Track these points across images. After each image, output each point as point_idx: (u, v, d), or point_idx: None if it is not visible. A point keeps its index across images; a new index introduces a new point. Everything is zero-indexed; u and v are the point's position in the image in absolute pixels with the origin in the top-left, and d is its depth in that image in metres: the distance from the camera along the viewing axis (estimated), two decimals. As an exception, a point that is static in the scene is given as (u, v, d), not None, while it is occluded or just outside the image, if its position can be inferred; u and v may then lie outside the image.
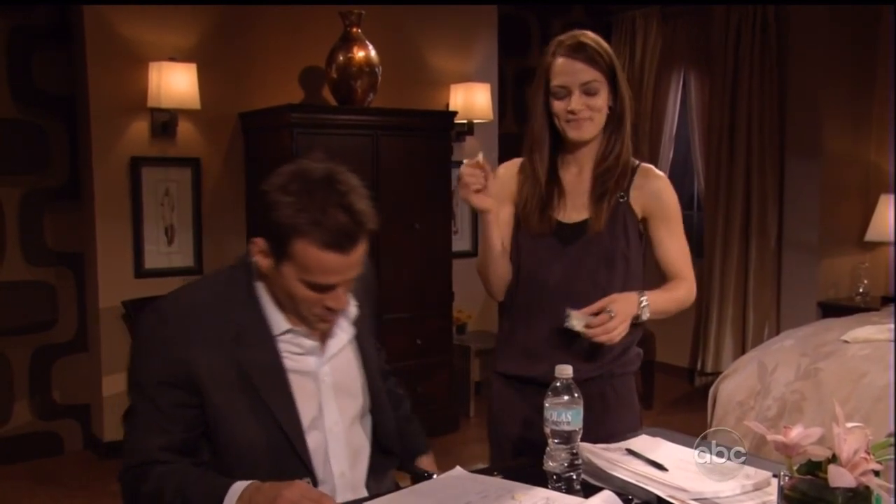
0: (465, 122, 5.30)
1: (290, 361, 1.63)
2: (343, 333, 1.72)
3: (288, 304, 1.60)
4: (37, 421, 4.49)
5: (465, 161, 1.94)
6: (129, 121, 4.40)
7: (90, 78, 4.31)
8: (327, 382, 1.68)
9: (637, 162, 2.06)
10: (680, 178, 6.28)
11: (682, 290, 2.05)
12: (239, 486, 1.47)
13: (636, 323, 1.96)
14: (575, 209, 2.03)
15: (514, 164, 2.14)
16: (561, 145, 2.05)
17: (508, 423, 2.08)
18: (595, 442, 1.74)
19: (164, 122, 4.44)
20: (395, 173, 4.54)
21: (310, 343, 1.66)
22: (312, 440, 1.65)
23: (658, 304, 1.97)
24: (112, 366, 4.42)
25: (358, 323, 1.75)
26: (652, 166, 2.08)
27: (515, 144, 6.55)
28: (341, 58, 4.54)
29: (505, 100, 6.11)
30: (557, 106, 1.97)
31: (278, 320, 1.62)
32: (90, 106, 4.32)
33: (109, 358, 4.42)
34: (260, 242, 1.54)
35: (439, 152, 4.79)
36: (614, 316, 1.86)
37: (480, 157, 1.92)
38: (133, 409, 1.61)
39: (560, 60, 1.96)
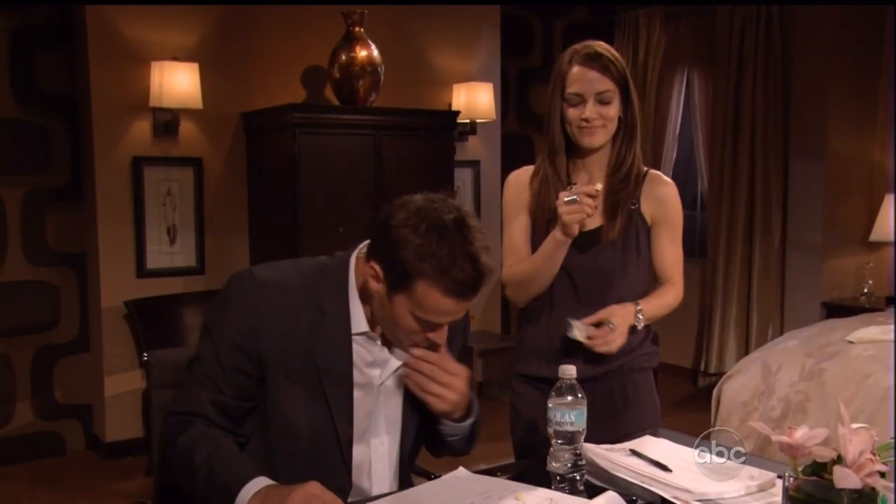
0: (467, 121, 5.30)
1: (355, 372, 1.64)
2: (402, 354, 1.70)
3: (384, 325, 1.61)
4: (38, 421, 4.48)
5: (581, 188, 1.89)
6: (131, 120, 4.40)
7: (92, 78, 4.30)
8: (380, 400, 1.69)
9: (646, 169, 2.10)
10: (683, 178, 6.26)
11: (670, 296, 2.11)
12: (260, 482, 1.47)
13: (631, 332, 2.01)
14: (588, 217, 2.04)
15: (526, 171, 2.16)
16: (572, 152, 2.07)
17: (529, 423, 2.11)
18: (617, 438, 1.76)
19: (166, 121, 4.44)
20: (398, 173, 4.54)
21: (380, 353, 1.67)
22: (358, 453, 1.66)
23: (651, 311, 2.05)
24: (114, 366, 4.42)
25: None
26: (660, 173, 2.13)
27: (518, 144, 6.58)
28: (344, 57, 4.54)
29: (507, 99, 6.11)
30: (571, 113, 2.00)
31: (359, 319, 1.63)
32: (92, 106, 4.31)
33: (111, 358, 4.42)
34: (376, 267, 1.54)
35: (442, 152, 4.79)
36: (614, 328, 1.92)
37: (599, 186, 1.93)
38: (198, 358, 1.63)
39: (576, 69, 1.99)
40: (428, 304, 1.50)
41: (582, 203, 1.88)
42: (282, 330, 1.59)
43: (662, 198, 2.08)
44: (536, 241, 2.09)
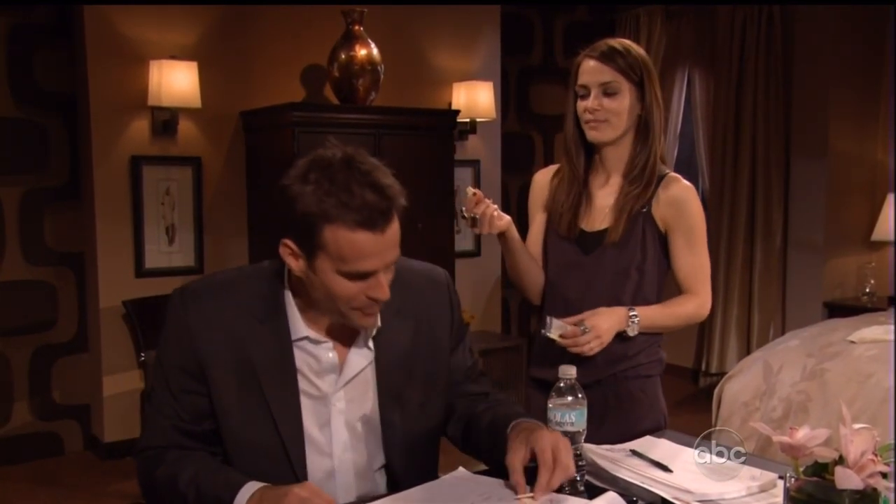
0: (467, 120, 5.28)
1: (303, 382, 1.57)
2: (361, 356, 1.62)
3: (328, 307, 1.51)
4: (37, 421, 4.47)
5: (469, 195, 1.95)
6: (129, 119, 4.38)
7: (90, 76, 4.29)
8: (338, 408, 1.60)
9: (666, 171, 2.05)
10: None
11: (688, 307, 2.03)
12: (252, 486, 1.43)
13: (625, 337, 1.96)
14: (598, 218, 2.04)
15: (550, 170, 2.17)
16: (594, 152, 2.06)
17: None
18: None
19: (165, 120, 4.43)
20: (398, 172, 4.48)
21: (328, 359, 1.57)
22: (318, 466, 1.59)
23: (652, 319, 1.98)
24: (112, 366, 4.41)
25: (384, 345, 1.63)
26: (679, 177, 2.07)
27: (518, 143, 6.55)
28: (343, 56, 4.52)
29: (508, 98, 6.10)
30: (580, 105, 2.00)
31: (297, 325, 1.56)
32: (90, 104, 4.30)
33: (110, 358, 4.41)
34: (288, 242, 1.45)
35: (442, 151, 4.77)
36: (588, 331, 1.87)
37: (470, 190, 1.97)
38: (153, 388, 1.59)
39: (585, 62, 2.00)
40: (344, 249, 1.40)
41: (483, 214, 1.94)
42: (218, 343, 1.53)
43: (675, 202, 2.00)
44: (548, 236, 2.10)
